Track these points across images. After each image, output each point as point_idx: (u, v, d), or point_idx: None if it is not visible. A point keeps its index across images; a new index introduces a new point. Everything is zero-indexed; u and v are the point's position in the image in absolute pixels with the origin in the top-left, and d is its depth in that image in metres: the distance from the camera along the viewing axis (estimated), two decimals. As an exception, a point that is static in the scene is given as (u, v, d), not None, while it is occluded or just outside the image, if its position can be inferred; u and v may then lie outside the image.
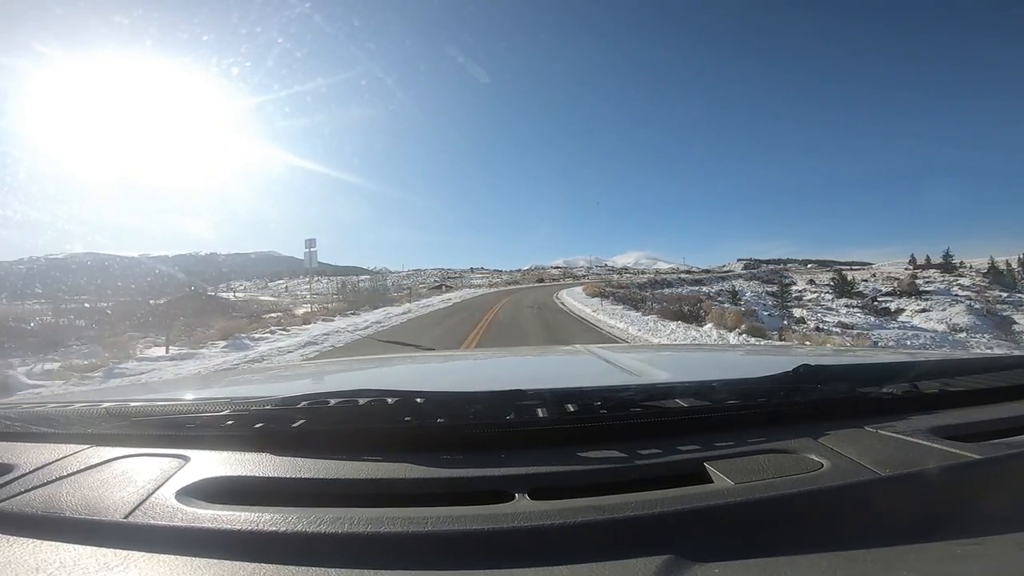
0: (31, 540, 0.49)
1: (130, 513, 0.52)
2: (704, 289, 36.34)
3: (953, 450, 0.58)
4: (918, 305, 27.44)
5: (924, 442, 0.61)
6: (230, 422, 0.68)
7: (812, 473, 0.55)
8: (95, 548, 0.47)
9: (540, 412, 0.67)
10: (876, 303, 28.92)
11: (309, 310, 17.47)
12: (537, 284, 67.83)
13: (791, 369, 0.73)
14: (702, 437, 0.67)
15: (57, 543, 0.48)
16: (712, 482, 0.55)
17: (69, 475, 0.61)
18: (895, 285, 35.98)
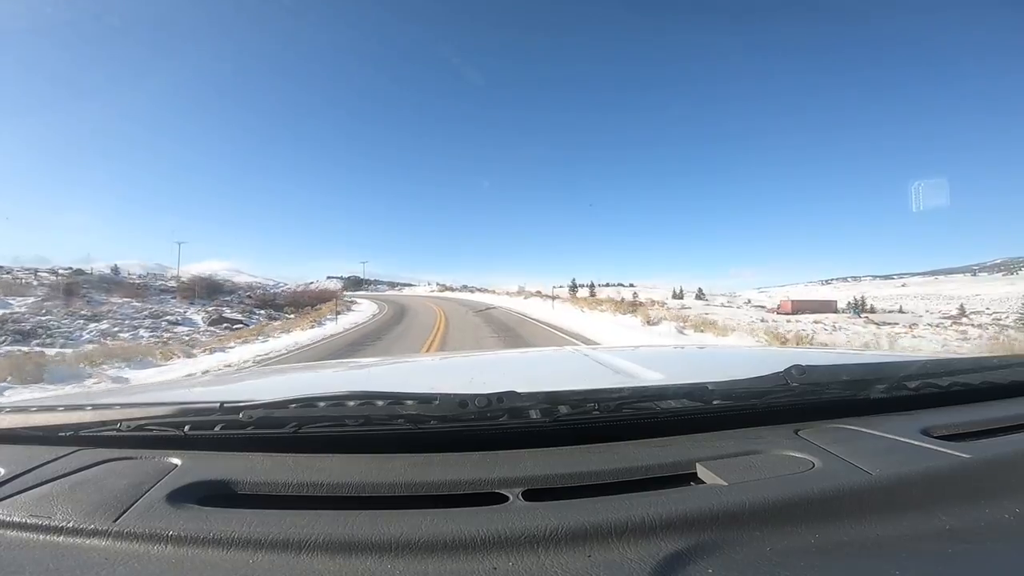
0: (20, 544, 0.49)
1: (120, 516, 0.51)
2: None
3: (944, 450, 0.59)
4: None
5: (915, 442, 0.62)
6: (220, 425, 0.67)
7: (804, 473, 0.55)
8: (85, 552, 0.47)
9: (533, 414, 0.67)
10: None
11: None
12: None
13: (782, 369, 0.73)
14: (694, 438, 0.67)
15: (46, 547, 0.48)
16: (704, 483, 0.55)
17: (58, 478, 0.60)
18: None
